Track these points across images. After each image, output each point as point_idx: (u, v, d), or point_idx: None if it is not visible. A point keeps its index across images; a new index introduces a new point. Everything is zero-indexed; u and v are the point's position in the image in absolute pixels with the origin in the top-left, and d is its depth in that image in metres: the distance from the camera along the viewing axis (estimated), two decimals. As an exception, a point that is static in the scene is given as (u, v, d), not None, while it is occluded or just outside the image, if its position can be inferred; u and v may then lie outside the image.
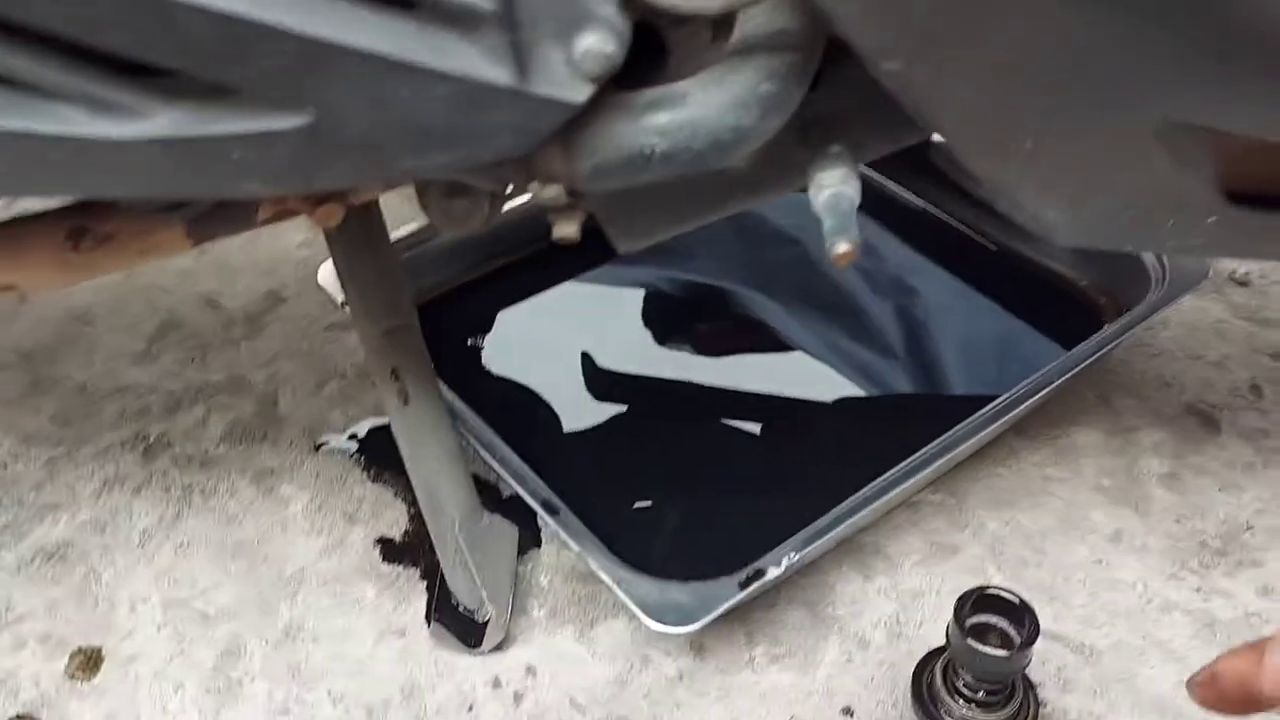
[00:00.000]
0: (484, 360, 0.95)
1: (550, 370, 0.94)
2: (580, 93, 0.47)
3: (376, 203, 0.70)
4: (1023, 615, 0.63)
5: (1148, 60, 0.46)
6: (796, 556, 0.69)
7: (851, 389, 0.93)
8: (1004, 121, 0.49)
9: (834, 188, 0.54)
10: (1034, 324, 0.97)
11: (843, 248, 0.51)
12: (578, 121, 0.49)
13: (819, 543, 0.71)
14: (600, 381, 0.94)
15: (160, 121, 0.46)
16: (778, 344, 0.97)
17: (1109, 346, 0.84)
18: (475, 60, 0.45)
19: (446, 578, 0.75)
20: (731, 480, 0.85)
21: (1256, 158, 0.55)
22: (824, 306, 1.00)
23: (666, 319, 1.00)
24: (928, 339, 0.97)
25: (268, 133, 0.46)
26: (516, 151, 0.48)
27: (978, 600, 0.64)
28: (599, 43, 0.46)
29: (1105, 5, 0.42)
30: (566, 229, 0.55)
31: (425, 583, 0.78)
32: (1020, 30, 0.44)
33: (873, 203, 1.08)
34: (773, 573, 0.69)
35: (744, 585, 0.68)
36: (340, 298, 0.81)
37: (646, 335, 0.99)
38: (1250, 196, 0.55)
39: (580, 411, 0.91)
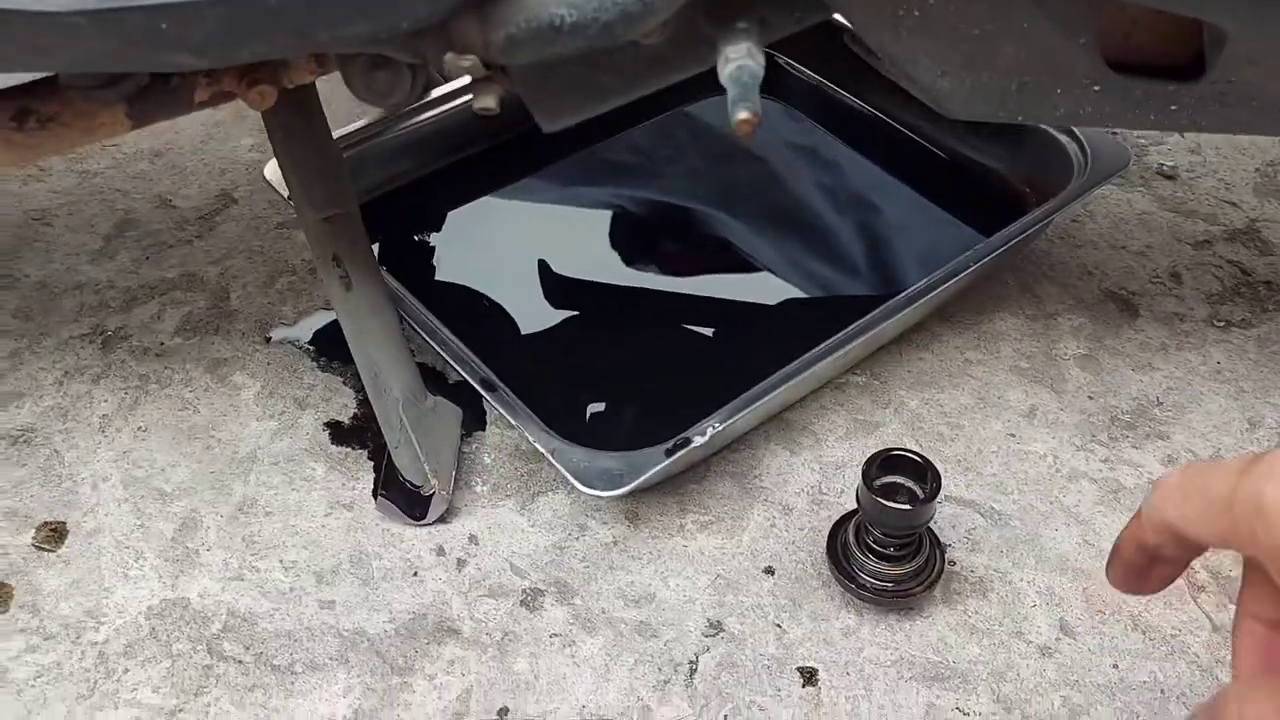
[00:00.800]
0: (435, 259, 0.97)
1: (505, 276, 0.96)
2: (490, -37, 0.50)
3: (313, 89, 0.73)
4: (925, 472, 0.68)
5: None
6: (720, 426, 0.73)
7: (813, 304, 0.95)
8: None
9: (739, 60, 0.57)
10: (984, 230, 1.00)
11: (743, 114, 0.54)
12: (491, -6, 0.52)
13: (742, 414, 0.75)
14: (556, 288, 0.96)
15: (91, -7, 0.49)
16: (743, 264, 0.99)
17: (1028, 231, 0.87)
18: (387, -71, 0.48)
19: (392, 456, 0.78)
20: (675, 367, 0.88)
21: (1138, 25, 0.59)
22: (788, 225, 1.02)
23: (633, 240, 1.01)
24: (890, 255, 1.00)
25: (193, 3, 0.49)
26: (431, 18, 0.51)
27: (884, 461, 0.68)
28: (506, -87, 0.49)
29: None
30: (486, 100, 0.58)
31: (373, 462, 0.82)
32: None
33: (827, 112, 1.11)
34: (697, 441, 0.73)
35: (670, 453, 0.72)
36: (285, 190, 0.83)
37: (614, 256, 1.00)
38: (1133, 66, 0.59)
39: (534, 316, 0.93)
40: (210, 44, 0.51)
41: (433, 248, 0.98)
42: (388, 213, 0.98)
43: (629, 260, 1.00)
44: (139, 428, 0.84)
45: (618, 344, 0.92)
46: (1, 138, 0.59)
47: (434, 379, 0.88)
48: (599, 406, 0.86)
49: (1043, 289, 0.96)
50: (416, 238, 0.98)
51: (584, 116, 0.65)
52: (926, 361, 0.90)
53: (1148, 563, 0.48)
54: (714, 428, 0.74)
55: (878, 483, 0.68)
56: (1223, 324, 0.93)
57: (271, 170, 0.91)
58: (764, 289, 0.97)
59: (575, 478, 0.71)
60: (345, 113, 0.90)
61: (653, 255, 1.00)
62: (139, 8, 0.49)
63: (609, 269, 0.99)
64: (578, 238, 1.02)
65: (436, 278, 0.96)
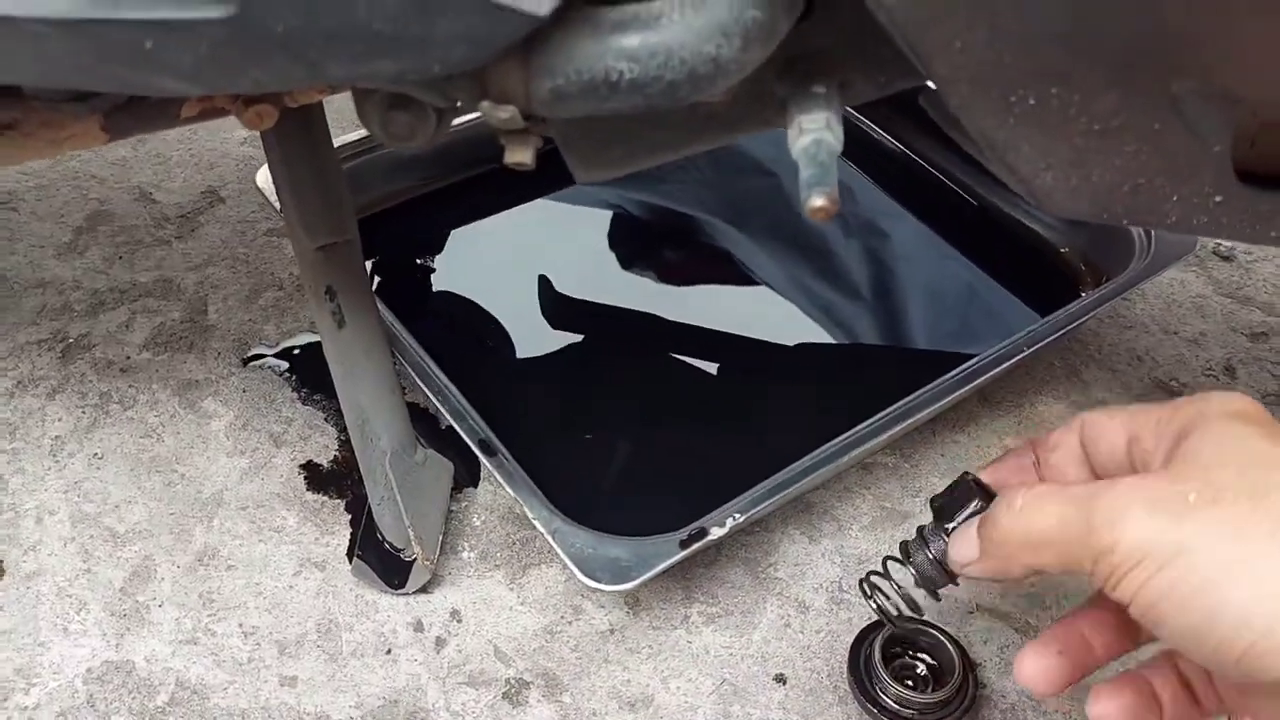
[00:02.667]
0: (434, 280, 0.90)
1: (507, 292, 0.89)
2: (543, 5, 0.42)
3: (319, 105, 0.64)
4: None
5: (1171, 13, 0.41)
6: (741, 518, 0.66)
7: (813, 328, 0.89)
8: (1006, 73, 0.45)
9: (815, 133, 0.49)
10: (1004, 281, 0.94)
11: (819, 201, 0.46)
12: (539, 36, 0.44)
13: (765, 504, 0.68)
14: (557, 308, 0.89)
15: (64, 1, 0.41)
16: (742, 277, 0.94)
17: (1084, 318, 0.81)
18: (426, -43, 0.40)
19: (374, 512, 0.71)
20: (682, 422, 0.81)
21: (1268, 131, 0.51)
22: (793, 243, 0.96)
23: (632, 243, 0.96)
24: (894, 284, 0.94)
25: (184, 21, 0.41)
26: (469, 65, 0.43)
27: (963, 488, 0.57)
28: (568, -51, 0.41)
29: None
30: (520, 155, 0.50)
31: (350, 515, 0.74)
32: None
33: (850, 144, 1.04)
34: (715, 533, 0.65)
35: (684, 545, 0.65)
36: (279, 204, 0.75)
37: (611, 258, 0.94)
38: (1261, 176, 0.51)
39: (535, 338, 0.87)
40: (203, 70, 0.42)
41: (431, 269, 0.90)
42: (387, 229, 0.90)
43: (626, 264, 0.94)
44: (95, 454, 0.76)
45: (615, 376, 0.85)
46: (-49, 144, 0.51)
47: (424, 421, 0.80)
48: (594, 452, 0.78)
49: (1089, 373, 0.89)
50: (419, 260, 0.90)
51: (624, 172, 0.57)
52: (961, 445, 0.83)
53: (1026, 468, 0.55)
54: (734, 519, 0.66)
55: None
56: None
57: (263, 177, 0.83)
58: (763, 306, 0.91)
59: (578, 566, 0.63)
60: (347, 115, 0.82)
61: (652, 261, 0.94)
62: (118, 21, 0.41)
63: (612, 277, 0.93)
64: (582, 243, 0.96)
65: (433, 299, 0.88)
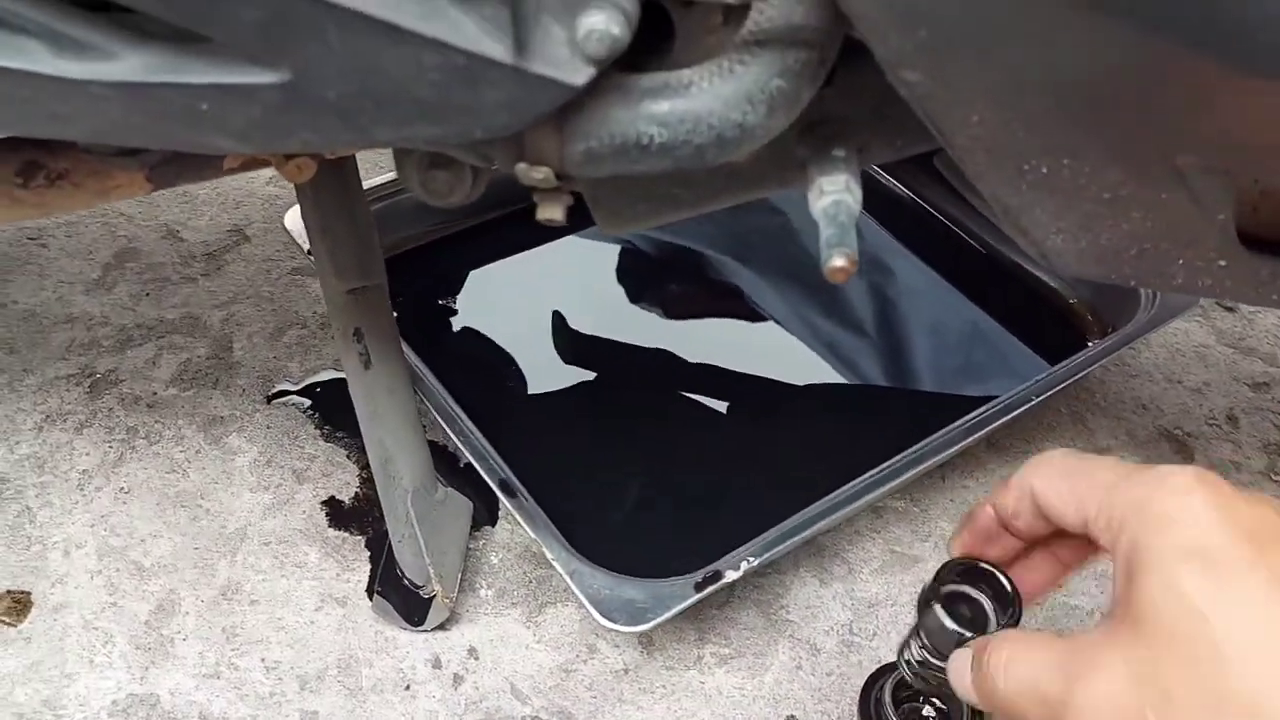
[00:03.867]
0: (454, 318, 0.92)
1: (522, 328, 0.91)
2: (580, 75, 0.44)
3: (353, 156, 0.67)
4: (1009, 601, 0.53)
5: (1173, 95, 0.43)
6: (755, 562, 0.68)
7: (819, 364, 0.91)
8: (1020, 144, 0.47)
9: (835, 194, 0.51)
10: (1010, 327, 0.96)
11: (839, 261, 0.48)
12: (573, 103, 0.46)
13: (779, 548, 0.69)
14: (570, 344, 0.91)
15: (126, 64, 0.43)
16: (749, 312, 0.96)
17: (1092, 366, 0.82)
18: (471, 31, 0.42)
19: (394, 549, 0.72)
20: (694, 462, 0.83)
21: (1268, 198, 0.53)
22: (798, 279, 0.98)
23: (640, 278, 0.98)
24: (898, 320, 0.95)
25: (241, 86, 0.43)
26: (507, 131, 0.45)
27: (967, 571, 0.54)
28: (605, 23, 0.43)
29: (1130, 37, 0.40)
30: (552, 212, 0.52)
31: (370, 552, 0.75)
32: (1044, 53, 0.42)
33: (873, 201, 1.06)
34: (730, 576, 0.67)
35: (699, 587, 0.66)
36: (307, 245, 0.77)
37: (619, 292, 0.96)
38: (1264, 241, 0.53)
39: (548, 374, 0.88)
40: (255, 131, 0.45)
41: (453, 309, 0.92)
42: (411, 270, 0.92)
43: (635, 298, 0.96)
44: (121, 488, 0.78)
45: (628, 414, 0.86)
46: (4, 193, 0.53)
47: (443, 458, 0.81)
48: (609, 492, 0.80)
49: (1095, 420, 0.90)
50: (440, 301, 0.92)
51: (649, 226, 0.59)
52: (970, 490, 0.84)
53: (996, 529, 0.53)
54: (748, 562, 0.68)
55: (947, 589, 0.54)
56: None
57: (292, 219, 0.85)
58: (769, 342, 0.93)
59: (595, 607, 0.65)
60: (371, 158, 0.85)
61: (659, 295, 0.96)
62: (177, 85, 0.43)
63: (620, 311, 0.95)
64: (591, 276, 0.98)
65: (453, 337, 0.90)
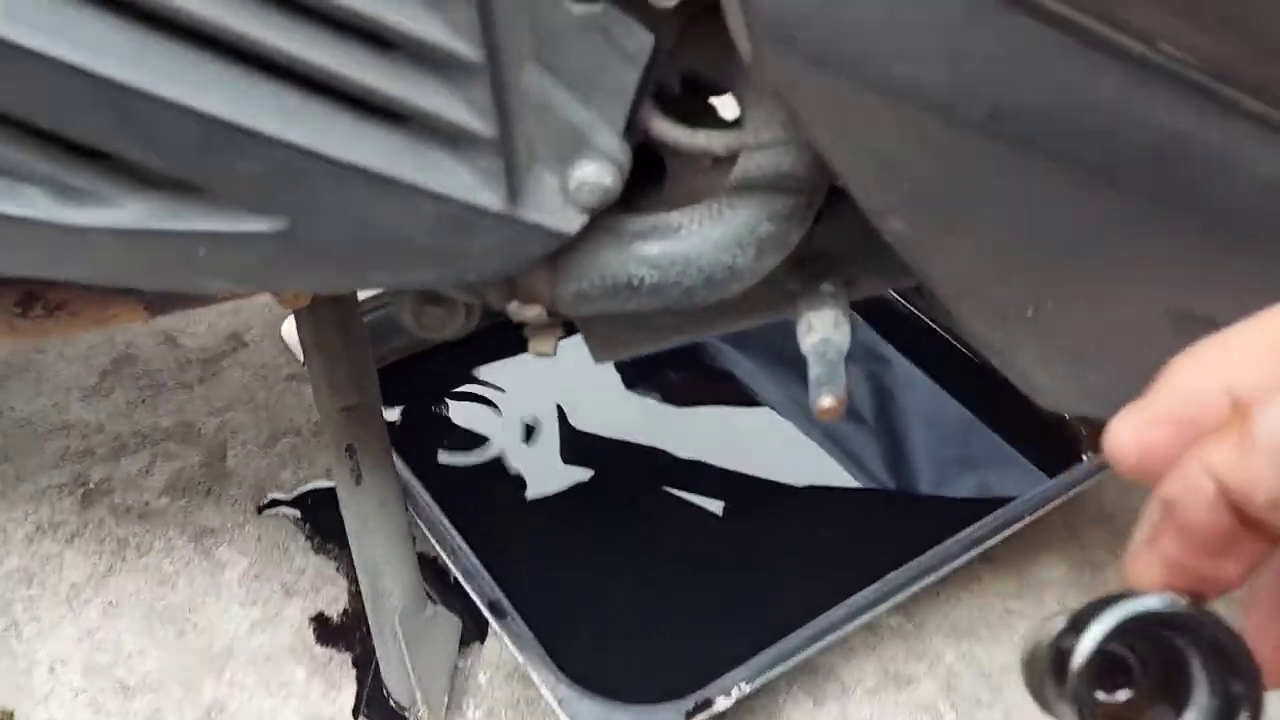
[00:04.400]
0: (451, 424, 0.92)
1: (519, 428, 0.91)
2: (573, 223, 0.45)
3: (349, 279, 0.67)
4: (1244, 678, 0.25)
5: (1162, 250, 0.44)
6: (748, 688, 0.67)
7: (816, 452, 0.91)
8: (1005, 290, 0.48)
9: (824, 331, 0.52)
10: (1004, 434, 0.96)
11: (827, 402, 0.49)
12: (565, 245, 0.47)
13: (772, 672, 0.68)
14: (568, 442, 0.91)
15: (126, 212, 0.44)
16: (745, 398, 0.96)
17: (1089, 480, 0.82)
18: (466, 181, 0.43)
19: (380, 668, 0.71)
20: (689, 572, 0.82)
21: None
22: (792, 364, 0.98)
23: (636, 364, 0.97)
24: (895, 409, 0.95)
25: (238, 234, 0.44)
26: (501, 275, 0.46)
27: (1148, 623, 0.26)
28: (596, 174, 0.44)
29: (1102, 195, 0.41)
30: (543, 346, 0.53)
31: (357, 670, 0.74)
32: (1022, 209, 0.43)
33: (861, 304, 1.07)
34: (721, 704, 0.66)
35: (690, 715, 0.65)
36: (303, 357, 0.78)
37: (615, 379, 0.97)
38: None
39: (546, 476, 0.88)
40: (250, 275, 0.45)
41: (447, 416, 0.93)
42: (407, 378, 0.93)
43: (630, 384, 0.96)
44: (110, 601, 0.77)
45: (624, 517, 0.86)
46: (3, 322, 0.54)
47: (435, 573, 0.81)
48: (601, 605, 0.79)
49: (1091, 534, 0.90)
50: (434, 408, 0.93)
51: (640, 353, 0.60)
52: (965, 606, 0.83)
53: (1226, 525, 0.22)
54: (739, 689, 0.67)
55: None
56: None
57: (288, 329, 0.86)
58: (766, 429, 0.93)
59: (584, 734, 0.64)
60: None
61: (655, 382, 0.96)
62: (175, 232, 0.44)
63: (617, 399, 0.95)
64: (589, 365, 0.98)
65: (448, 443, 0.90)
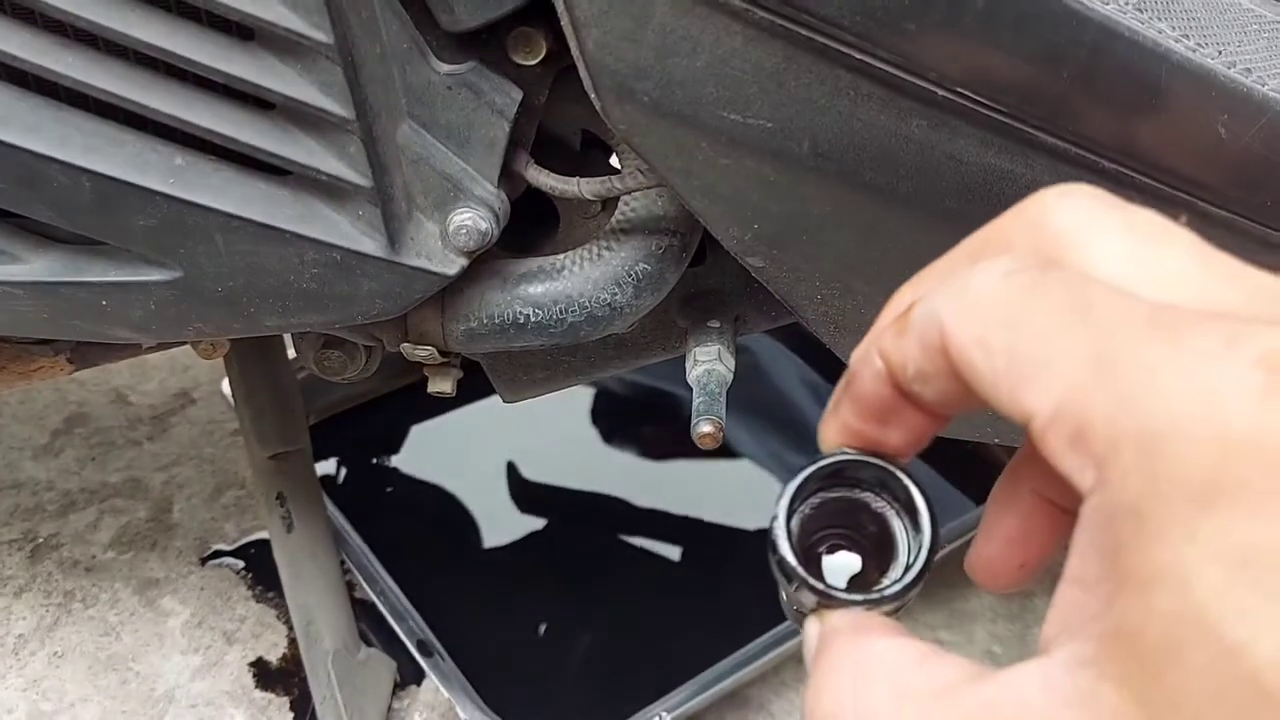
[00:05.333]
0: (405, 474, 0.94)
1: (480, 477, 0.93)
2: (452, 266, 0.48)
3: (274, 331, 0.70)
4: (920, 521, 0.26)
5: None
6: (669, 717, 0.69)
7: None
8: (861, 318, 0.50)
9: (707, 364, 0.55)
10: (938, 468, 0.98)
11: (706, 428, 0.51)
12: (453, 286, 0.50)
13: (695, 701, 0.70)
14: (525, 493, 0.93)
15: (32, 266, 0.47)
16: (725, 451, 0.98)
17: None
18: (346, 230, 0.46)
19: (316, 710, 0.73)
20: (636, 612, 0.84)
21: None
22: (769, 416, 1.01)
23: (614, 419, 1.00)
24: None
25: (136, 284, 0.47)
26: (386, 315, 0.49)
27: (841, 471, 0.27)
28: (473, 220, 0.47)
29: (924, 224, 0.44)
30: (442, 385, 0.56)
31: (294, 714, 0.76)
32: (858, 236, 0.45)
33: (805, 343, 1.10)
34: (644, 733, 0.68)
35: (612, 745, 0.67)
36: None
37: (593, 434, 0.99)
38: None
39: (502, 524, 0.90)
40: (152, 322, 0.48)
41: (390, 466, 0.95)
42: (349, 429, 0.95)
43: (607, 439, 0.98)
44: (55, 652, 0.79)
45: (579, 574, 0.87)
46: (-70, 377, 0.56)
47: (373, 617, 0.83)
48: (546, 657, 0.81)
49: (1017, 564, 0.92)
50: (375, 460, 0.95)
51: (546, 392, 0.62)
52: (893, 637, 0.85)
53: (892, 398, 0.24)
54: (660, 717, 0.69)
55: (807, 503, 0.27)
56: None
57: (228, 385, 0.88)
58: (742, 478, 0.96)
59: (508, 767, 0.66)
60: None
61: (632, 436, 0.98)
62: (79, 284, 0.47)
63: (593, 453, 0.97)
64: (565, 419, 1.00)
65: (398, 493, 0.92)
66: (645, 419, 1.02)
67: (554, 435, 0.98)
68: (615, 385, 1.03)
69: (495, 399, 0.98)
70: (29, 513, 0.89)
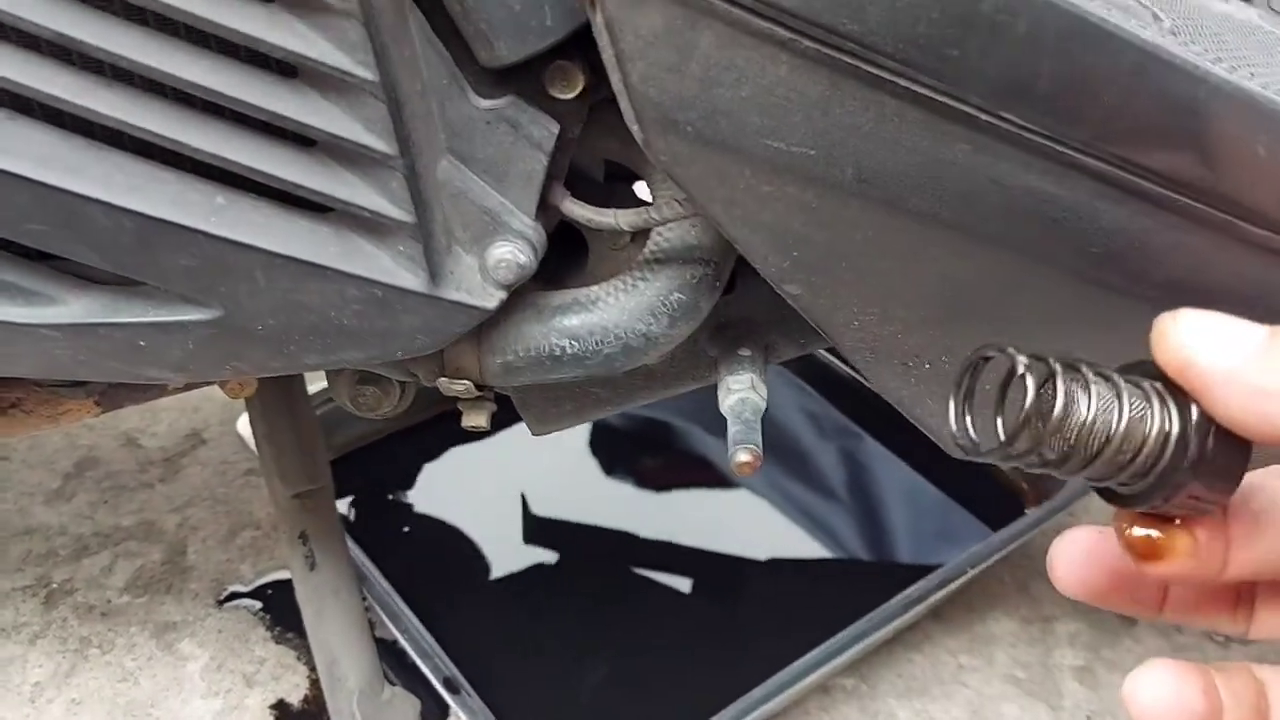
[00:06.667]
0: (415, 509, 0.94)
1: (489, 511, 0.93)
2: (492, 299, 0.48)
3: (297, 369, 0.70)
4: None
5: (1029, 298, 0.47)
6: (698, 748, 0.68)
7: (792, 530, 0.93)
8: (900, 344, 0.51)
9: (741, 392, 0.55)
10: (955, 495, 0.98)
11: (744, 457, 0.51)
12: (489, 320, 0.50)
13: (721, 733, 0.70)
14: (533, 526, 0.93)
15: (70, 308, 0.46)
16: (721, 481, 0.98)
17: (1026, 536, 0.85)
18: (388, 265, 0.46)
19: (342, 752, 0.72)
20: (650, 647, 0.84)
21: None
22: (770, 445, 1.00)
23: (613, 450, 1.00)
24: (871, 483, 0.98)
25: (175, 323, 0.46)
26: (426, 350, 0.49)
27: None
28: (512, 253, 0.47)
29: (967, 249, 0.44)
30: (476, 419, 0.55)
31: (320, 756, 0.75)
32: (907, 267, 0.46)
33: (812, 373, 1.10)
34: (673, 768, 0.67)
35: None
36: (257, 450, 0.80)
37: (593, 464, 0.99)
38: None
39: (511, 558, 0.90)
40: (190, 362, 0.48)
41: (407, 502, 0.95)
42: (365, 465, 0.95)
43: (608, 470, 0.98)
44: (73, 699, 0.78)
45: (593, 606, 0.87)
46: (-41, 423, 0.56)
47: (395, 656, 0.82)
48: (569, 693, 0.80)
49: (1039, 588, 0.92)
50: (390, 496, 0.95)
51: (575, 424, 0.62)
52: (917, 664, 0.85)
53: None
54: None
55: None
56: (1222, 639, 0.89)
57: (244, 424, 0.88)
58: (743, 509, 0.95)
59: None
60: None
61: (631, 467, 0.98)
62: (117, 325, 0.47)
63: (593, 484, 0.97)
64: (563, 451, 1.00)
65: (412, 528, 0.92)
66: (644, 450, 1.02)
67: (558, 468, 0.98)
68: (613, 417, 1.03)
69: (501, 433, 1.00)
70: (42, 558, 0.88)
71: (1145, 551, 0.29)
